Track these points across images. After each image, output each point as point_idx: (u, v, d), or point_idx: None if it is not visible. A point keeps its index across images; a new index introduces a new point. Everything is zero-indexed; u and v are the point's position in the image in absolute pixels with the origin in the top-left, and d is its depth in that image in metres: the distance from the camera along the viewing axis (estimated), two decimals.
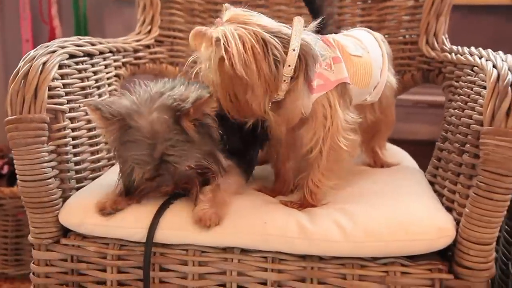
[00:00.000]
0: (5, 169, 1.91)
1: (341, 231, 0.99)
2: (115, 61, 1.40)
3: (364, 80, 1.13)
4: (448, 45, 1.44)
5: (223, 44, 0.92)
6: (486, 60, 1.07)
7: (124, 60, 1.46)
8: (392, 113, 1.34)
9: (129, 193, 1.07)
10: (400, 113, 1.83)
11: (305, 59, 0.98)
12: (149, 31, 1.61)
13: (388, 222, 1.00)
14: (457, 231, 1.00)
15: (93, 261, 1.07)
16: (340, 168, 1.10)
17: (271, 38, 0.94)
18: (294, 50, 0.96)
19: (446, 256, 1.03)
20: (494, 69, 1.01)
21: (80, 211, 1.07)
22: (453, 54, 1.32)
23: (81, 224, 1.06)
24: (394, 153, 1.47)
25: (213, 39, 0.94)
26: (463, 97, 1.13)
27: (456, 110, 1.15)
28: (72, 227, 1.08)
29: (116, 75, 1.42)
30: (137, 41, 1.55)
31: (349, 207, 1.06)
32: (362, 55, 1.14)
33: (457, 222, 1.02)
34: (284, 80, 0.97)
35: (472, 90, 1.09)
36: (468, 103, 1.09)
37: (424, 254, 1.01)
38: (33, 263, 1.11)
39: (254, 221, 1.02)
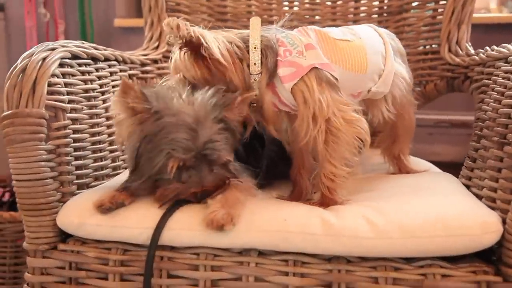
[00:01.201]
0: (6, 197, 1.84)
1: (371, 227, 0.88)
2: (121, 70, 1.34)
3: (357, 64, 1.07)
4: (472, 50, 1.38)
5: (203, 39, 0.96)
6: None
7: (131, 72, 1.39)
8: (410, 115, 1.25)
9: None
10: (421, 134, 1.75)
11: (265, 52, 1.01)
12: (157, 47, 1.57)
13: (424, 216, 0.89)
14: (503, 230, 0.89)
15: (94, 268, 0.96)
16: (347, 152, 1.01)
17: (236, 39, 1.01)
18: (255, 48, 1.00)
19: (490, 261, 0.91)
20: None
21: (79, 212, 0.97)
22: (481, 54, 1.25)
23: (81, 225, 0.96)
24: (420, 163, 1.36)
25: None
26: (499, 88, 1.05)
27: (492, 104, 1.06)
28: (71, 229, 0.98)
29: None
30: (144, 55, 1.49)
31: (378, 204, 0.95)
32: (351, 40, 1.10)
33: (503, 221, 0.90)
34: (254, 79, 1.00)
35: (509, 80, 1.02)
36: (506, 93, 1.01)
37: (465, 257, 0.89)
38: (28, 272, 1.00)
39: (272, 219, 0.92)
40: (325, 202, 1.00)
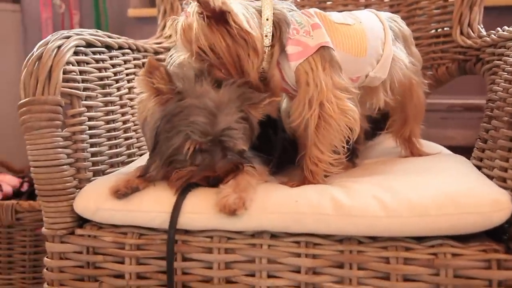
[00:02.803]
0: (25, 187, 1.86)
1: (382, 206, 0.89)
2: (134, 59, 1.35)
3: (357, 47, 1.07)
4: (484, 32, 1.37)
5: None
6: None
7: (144, 60, 1.40)
8: (419, 97, 1.23)
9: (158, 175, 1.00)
10: (434, 118, 1.75)
11: (279, 26, 1.00)
12: (170, 35, 1.57)
13: (435, 194, 0.90)
14: None
15: (110, 252, 0.99)
16: (336, 139, 1.02)
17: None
18: (267, 19, 0.99)
19: (501, 240, 0.92)
20: None
21: (96, 197, 0.99)
22: (492, 35, 1.25)
23: (97, 210, 0.98)
24: (431, 146, 1.36)
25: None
26: (510, 68, 1.04)
27: (502, 84, 1.06)
28: (88, 214, 1.00)
29: (136, 74, 1.35)
30: (158, 43, 1.51)
31: (388, 182, 0.96)
32: (351, 23, 1.10)
33: None
34: (264, 51, 0.99)
35: None
36: None
37: (475, 236, 0.90)
38: (47, 257, 1.03)
39: (284, 200, 0.93)
40: (304, 183, 1.02)
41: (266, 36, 1.00)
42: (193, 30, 0.98)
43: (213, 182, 0.97)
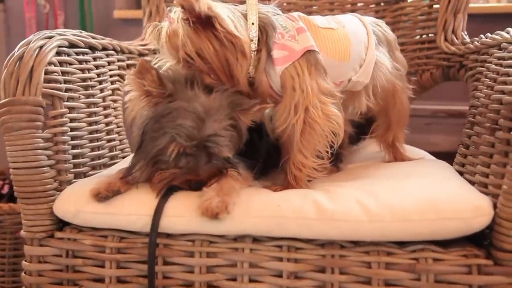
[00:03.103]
0: (5, 189, 1.84)
1: (364, 210, 0.89)
2: (119, 60, 1.34)
3: (341, 52, 1.07)
4: (468, 39, 1.38)
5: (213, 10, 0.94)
6: None
7: (128, 62, 1.39)
8: (402, 102, 1.23)
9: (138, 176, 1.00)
10: (418, 124, 1.76)
11: (265, 30, 1.00)
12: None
13: (417, 200, 0.90)
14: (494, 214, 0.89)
15: (90, 255, 0.97)
16: (320, 145, 1.02)
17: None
18: (253, 23, 0.98)
19: (482, 245, 0.92)
20: None
21: (76, 200, 0.98)
22: (475, 42, 1.26)
23: (77, 213, 0.97)
24: (415, 152, 1.37)
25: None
26: (492, 75, 1.05)
27: (484, 91, 1.07)
28: (68, 217, 0.99)
29: (120, 76, 1.35)
30: (143, 45, 1.49)
31: (371, 187, 0.96)
32: (335, 28, 1.10)
33: (494, 205, 0.91)
34: (251, 56, 0.98)
35: (502, 66, 1.02)
36: (498, 79, 1.02)
37: (456, 241, 0.90)
38: (25, 260, 1.01)
39: (267, 204, 0.93)
40: (288, 188, 1.02)
41: (252, 40, 0.99)
42: (179, 37, 0.97)
43: (195, 186, 0.97)
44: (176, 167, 0.97)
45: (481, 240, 0.92)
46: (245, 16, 1.00)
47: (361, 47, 1.11)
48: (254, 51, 1.00)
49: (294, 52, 1.00)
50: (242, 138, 1.02)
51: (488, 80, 1.06)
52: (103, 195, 0.95)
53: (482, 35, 1.24)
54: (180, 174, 0.97)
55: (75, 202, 0.98)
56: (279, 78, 1.01)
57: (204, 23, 0.95)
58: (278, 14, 1.06)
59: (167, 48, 1.00)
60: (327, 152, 1.03)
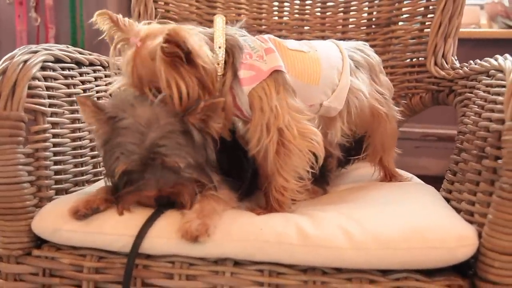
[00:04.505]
0: None
1: (347, 237, 0.87)
2: (106, 76, 1.33)
3: (310, 75, 1.06)
4: (458, 64, 1.38)
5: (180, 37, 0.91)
6: (504, 60, 1.00)
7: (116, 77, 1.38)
8: (386, 126, 1.22)
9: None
10: (408, 147, 1.74)
11: (232, 52, 0.98)
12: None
13: (401, 228, 0.88)
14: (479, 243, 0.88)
15: (68, 275, 0.95)
16: (299, 166, 1.00)
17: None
18: (219, 47, 0.97)
19: (467, 275, 0.91)
20: None
21: (55, 217, 0.96)
22: (465, 68, 1.26)
23: (55, 231, 0.95)
24: (404, 174, 1.36)
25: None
26: (480, 102, 1.05)
27: (472, 117, 1.06)
28: (46, 235, 0.97)
29: (107, 91, 1.33)
30: None
31: (355, 212, 0.95)
32: (306, 51, 1.09)
33: (479, 235, 0.90)
34: (216, 81, 0.97)
35: (489, 93, 1.02)
36: (486, 106, 1.01)
37: (441, 270, 0.89)
38: (0, 278, 0.99)
39: (248, 228, 0.91)
40: (271, 212, 1.01)
41: (218, 64, 0.97)
42: (147, 68, 0.95)
43: (161, 202, 0.95)
44: (133, 186, 0.96)
45: (466, 270, 0.91)
46: (211, 39, 0.99)
47: (334, 72, 1.10)
48: (221, 74, 0.98)
49: (262, 72, 0.99)
50: (199, 143, 0.97)
51: (476, 106, 1.05)
52: (82, 213, 0.94)
53: (471, 61, 1.24)
54: (135, 193, 0.95)
55: (53, 220, 0.96)
56: (247, 98, 1.00)
57: (185, 58, 0.93)
58: (245, 35, 1.05)
59: (129, 75, 0.98)
60: (308, 172, 1.01)
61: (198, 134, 0.96)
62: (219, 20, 1.01)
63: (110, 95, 1.06)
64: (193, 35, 0.95)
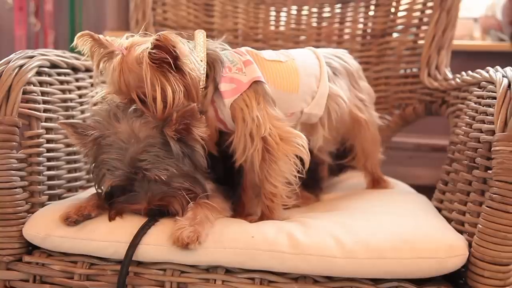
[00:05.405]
0: None
1: (338, 246, 0.87)
2: (103, 82, 1.33)
3: (288, 84, 1.08)
4: (451, 75, 1.39)
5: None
6: (495, 72, 1.01)
7: None
8: (365, 131, 1.23)
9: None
10: (402, 157, 1.76)
11: (213, 65, 1.01)
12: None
13: (392, 237, 0.89)
14: (469, 253, 0.89)
15: (58, 281, 0.95)
16: (286, 171, 1.01)
17: None
18: (201, 61, 0.99)
19: (457, 284, 0.91)
20: (504, 78, 0.95)
21: (46, 223, 0.96)
22: (457, 79, 1.26)
23: (47, 237, 0.95)
24: (396, 185, 1.36)
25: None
26: (471, 113, 1.05)
27: (463, 128, 1.07)
28: (37, 241, 0.97)
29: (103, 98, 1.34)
30: None
31: (347, 221, 0.95)
32: (283, 61, 1.10)
33: (469, 244, 0.90)
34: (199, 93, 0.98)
35: (480, 104, 1.02)
36: (477, 117, 1.01)
37: (431, 280, 0.89)
38: None
39: (240, 236, 0.91)
40: (263, 220, 1.01)
41: (200, 78, 0.98)
42: (134, 74, 0.95)
43: (151, 214, 0.95)
44: (123, 197, 0.97)
45: (456, 279, 0.91)
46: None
47: (312, 79, 1.11)
48: (202, 87, 1.00)
49: (242, 84, 1.00)
50: (185, 152, 0.97)
51: (467, 117, 1.06)
52: (73, 219, 0.94)
53: (464, 72, 1.25)
54: (126, 205, 0.96)
55: (45, 226, 0.96)
56: (229, 110, 1.01)
57: (172, 65, 0.94)
58: (226, 49, 1.06)
59: (116, 82, 0.97)
60: (295, 177, 1.02)
61: (176, 145, 0.95)
62: (200, 35, 1.03)
63: (95, 104, 1.06)
64: (181, 42, 0.96)
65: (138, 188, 0.95)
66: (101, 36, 1.01)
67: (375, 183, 1.29)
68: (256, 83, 1.01)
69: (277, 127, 1.00)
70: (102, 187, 0.98)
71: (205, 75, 1.00)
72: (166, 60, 0.92)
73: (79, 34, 1.00)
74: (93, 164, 0.99)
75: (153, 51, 0.91)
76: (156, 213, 0.95)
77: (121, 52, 0.96)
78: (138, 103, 0.96)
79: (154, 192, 0.95)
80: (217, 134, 1.06)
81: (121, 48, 0.97)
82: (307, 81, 1.10)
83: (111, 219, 0.96)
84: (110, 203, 0.97)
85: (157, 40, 0.91)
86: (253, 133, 0.98)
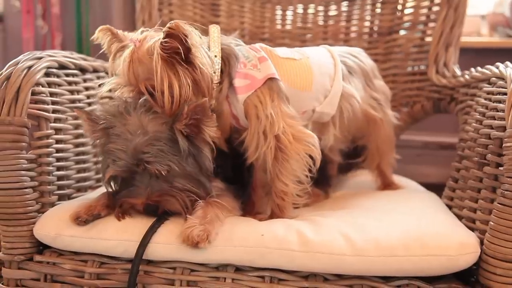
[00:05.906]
0: None
1: (349, 244, 0.87)
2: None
3: (302, 82, 1.07)
4: (459, 72, 1.39)
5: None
6: (505, 68, 1.00)
7: None
8: (380, 130, 1.23)
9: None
10: (410, 155, 1.75)
11: (228, 60, 1.00)
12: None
13: (402, 235, 0.88)
14: (481, 250, 0.88)
15: (69, 280, 0.95)
16: (297, 169, 1.01)
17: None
18: (215, 56, 0.99)
19: (469, 282, 0.91)
20: None
21: (57, 222, 0.96)
22: (466, 76, 1.26)
23: (57, 236, 0.95)
24: (405, 182, 1.36)
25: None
26: (481, 109, 1.05)
27: (473, 125, 1.06)
28: (48, 240, 0.97)
29: (111, 98, 1.34)
30: None
31: (357, 219, 0.95)
32: (297, 58, 1.09)
33: (481, 242, 0.90)
34: (213, 88, 0.97)
35: (490, 101, 1.02)
36: (487, 114, 1.01)
37: (442, 277, 0.89)
38: (2, 283, 0.99)
39: (250, 234, 0.91)
40: (273, 218, 1.01)
41: (215, 72, 0.98)
42: (144, 66, 0.94)
43: (148, 210, 0.95)
44: (122, 193, 0.97)
45: (468, 277, 0.90)
46: (207, 48, 1.00)
47: (326, 78, 1.11)
48: (217, 83, 0.99)
49: (256, 80, 1.00)
50: (192, 151, 0.96)
51: (477, 114, 1.06)
52: (83, 219, 0.94)
53: (472, 69, 1.25)
54: (123, 199, 0.96)
55: (55, 225, 0.96)
56: (242, 106, 1.00)
57: (183, 58, 0.93)
58: (240, 45, 1.06)
59: (125, 72, 0.97)
60: (307, 176, 1.02)
61: (184, 141, 0.95)
62: (214, 29, 1.03)
63: (102, 98, 1.07)
64: (194, 33, 0.95)
65: (138, 182, 0.95)
66: (119, 31, 1.02)
67: (386, 187, 1.29)
68: (270, 80, 1.01)
69: (290, 126, 0.99)
70: (105, 177, 0.97)
71: (219, 70, 0.99)
72: (177, 51, 0.92)
73: (100, 27, 1.02)
74: (102, 154, 0.99)
75: (165, 39, 0.91)
76: (153, 209, 0.95)
77: (134, 44, 0.96)
78: (147, 95, 0.96)
79: (154, 189, 0.95)
80: (230, 130, 1.05)
81: (135, 40, 0.97)
82: (321, 80, 1.09)
83: (118, 218, 0.96)
84: (115, 202, 0.97)
85: (169, 28, 0.90)
86: (267, 130, 0.98)
